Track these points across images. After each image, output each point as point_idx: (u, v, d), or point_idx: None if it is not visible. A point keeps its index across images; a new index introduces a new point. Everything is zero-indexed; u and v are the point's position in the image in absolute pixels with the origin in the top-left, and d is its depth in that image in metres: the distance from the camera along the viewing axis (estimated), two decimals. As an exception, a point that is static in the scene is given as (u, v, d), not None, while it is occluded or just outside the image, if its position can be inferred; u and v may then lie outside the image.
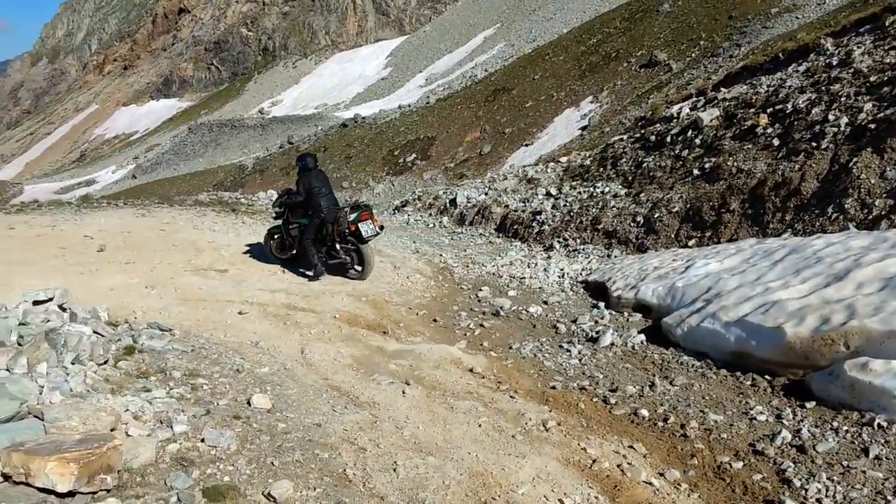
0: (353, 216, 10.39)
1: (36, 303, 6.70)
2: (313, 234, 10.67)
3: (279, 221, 11.46)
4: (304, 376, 6.37)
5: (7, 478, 3.68)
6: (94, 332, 6.10)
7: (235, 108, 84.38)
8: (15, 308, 6.56)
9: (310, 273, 10.75)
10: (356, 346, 7.70)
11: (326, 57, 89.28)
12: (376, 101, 67.45)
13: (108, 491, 3.66)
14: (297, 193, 10.83)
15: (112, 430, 4.22)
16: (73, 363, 5.33)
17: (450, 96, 50.53)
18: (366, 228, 10.33)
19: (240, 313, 8.68)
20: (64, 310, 6.67)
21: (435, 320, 9.28)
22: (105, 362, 5.67)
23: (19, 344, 5.77)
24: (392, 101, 63.08)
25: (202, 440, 4.34)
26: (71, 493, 3.57)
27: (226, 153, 62.26)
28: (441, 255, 12.67)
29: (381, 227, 10.71)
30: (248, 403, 5.16)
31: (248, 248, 12.47)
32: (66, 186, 63.96)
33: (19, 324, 6.19)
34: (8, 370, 5.12)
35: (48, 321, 6.22)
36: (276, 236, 11.43)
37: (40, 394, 4.55)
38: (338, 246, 10.62)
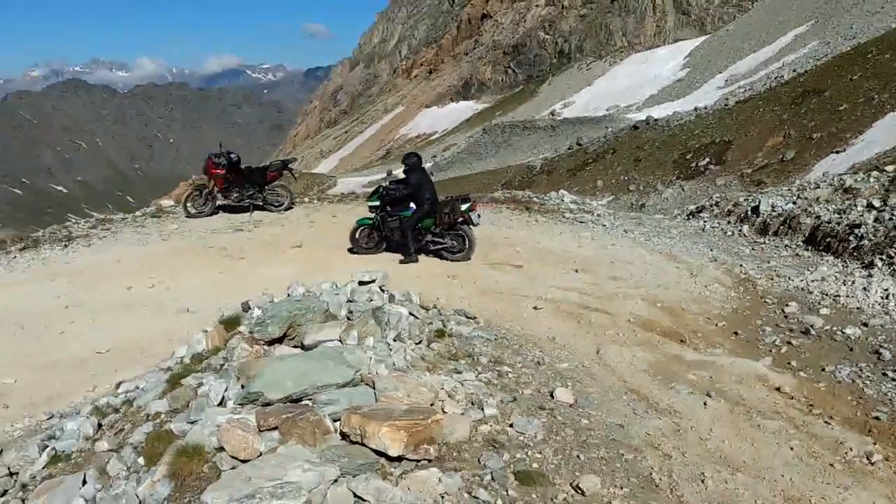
0: (465, 206, 11.81)
1: (361, 283, 7.40)
2: (415, 224, 11.99)
3: (368, 214, 12.69)
4: (603, 376, 6.38)
5: (345, 436, 4.11)
6: (410, 313, 6.60)
7: (528, 110, 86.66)
8: (344, 286, 7.32)
9: (402, 256, 12.03)
10: (652, 351, 7.54)
11: (621, 58, 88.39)
12: (670, 103, 65.44)
13: (430, 461, 3.94)
14: (402, 187, 12.12)
15: (430, 405, 4.54)
16: (394, 340, 5.81)
17: (750, 98, 47.52)
18: (475, 216, 11.88)
19: (534, 308, 8.90)
20: (384, 291, 7.30)
21: (736, 333, 8.78)
22: (419, 342, 6.11)
23: (348, 318, 6.42)
24: (687, 103, 60.80)
25: (510, 425, 4.51)
26: (399, 458, 3.90)
27: (516, 154, 64.15)
28: (741, 265, 11.96)
29: (479, 215, 12.14)
30: (551, 396, 5.27)
31: (541, 246, 12.75)
32: (372, 181, 69.94)
33: (347, 300, 6.89)
34: (340, 341, 5.72)
35: (371, 300, 6.85)
36: (363, 228, 12.61)
37: (370, 365, 5.02)
38: (439, 230, 12.05)
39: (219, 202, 16.32)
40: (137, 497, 4.22)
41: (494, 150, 68.75)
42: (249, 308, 7.25)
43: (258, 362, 5.14)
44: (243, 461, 3.97)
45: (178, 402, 5.41)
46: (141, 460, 4.83)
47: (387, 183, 13.33)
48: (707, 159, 39.90)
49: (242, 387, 4.97)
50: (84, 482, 4.99)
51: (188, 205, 16.41)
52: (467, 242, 12.00)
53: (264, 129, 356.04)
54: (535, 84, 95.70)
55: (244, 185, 16.04)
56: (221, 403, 4.94)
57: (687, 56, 79.25)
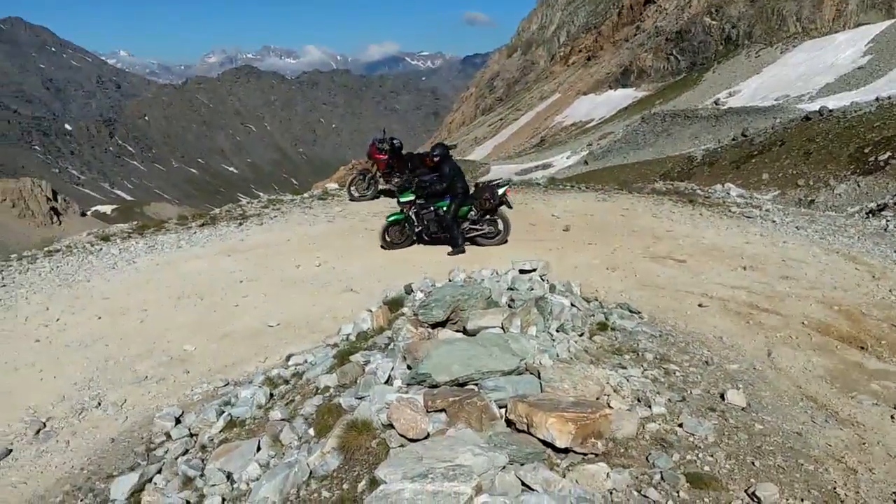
0: (501, 191, 12.39)
1: (522, 271, 7.40)
2: (457, 213, 12.29)
3: (396, 210, 12.63)
4: (776, 380, 6.03)
5: (510, 424, 4.11)
6: (572, 304, 6.52)
7: (690, 99, 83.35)
8: (505, 274, 7.34)
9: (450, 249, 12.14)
10: (829, 357, 7.06)
11: (794, 45, 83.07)
12: (847, 93, 60.94)
13: (597, 455, 3.87)
14: (437, 180, 12.31)
15: (596, 398, 4.46)
16: (557, 331, 5.76)
17: (945, 88, 43.43)
18: (509, 199, 12.67)
19: (700, 305, 8.56)
20: (545, 281, 7.25)
21: (926, 343, 8.06)
22: (581, 334, 6.03)
23: (509, 306, 6.42)
24: (868, 93, 56.36)
25: (680, 425, 4.36)
26: (565, 450, 3.86)
27: (675, 144, 61.92)
28: (931, 269, 10.96)
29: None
30: (722, 398, 5.05)
31: (705, 241, 12.24)
32: (525, 168, 69.74)
33: (508, 288, 6.90)
34: (503, 328, 5.73)
35: (532, 289, 6.83)
36: (394, 226, 12.53)
37: (534, 354, 4.99)
38: (476, 217, 12.46)
39: (381, 187, 16.81)
40: (308, 467, 4.42)
41: (653, 139, 66.72)
42: (412, 291, 7.42)
43: (424, 344, 5.24)
44: (411, 440, 4.07)
45: (346, 378, 5.62)
46: (311, 431, 5.06)
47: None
48: (889, 153, 36.90)
49: (409, 367, 5.09)
50: (258, 448, 5.30)
51: (352, 188, 17.00)
52: (503, 226, 12.55)
53: (421, 115, 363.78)
54: (698, 72, 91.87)
55: (405, 170, 16.42)
56: (388, 382, 5.08)
57: (870, 42, 73.41)
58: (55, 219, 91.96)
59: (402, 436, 4.14)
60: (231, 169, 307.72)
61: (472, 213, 12.42)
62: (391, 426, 4.28)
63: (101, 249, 13.29)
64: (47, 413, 7.65)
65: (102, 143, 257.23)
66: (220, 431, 6.35)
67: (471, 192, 12.55)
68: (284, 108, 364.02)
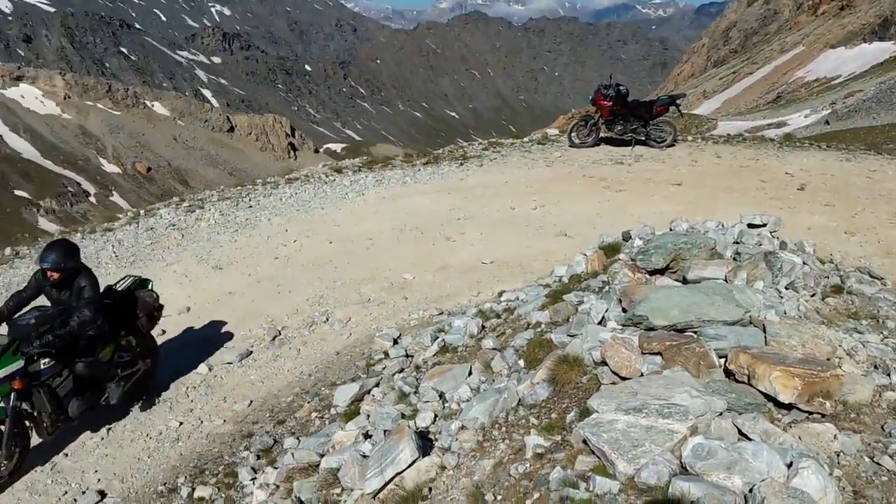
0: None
1: (751, 226, 6.99)
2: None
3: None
4: None
5: (729, 374, 3.96)
6: (804, 263, 6.08)
7: (962, 55, 73.40)
8: (731, 227, 6.98)
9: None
10: None
11: None
12: None
13: (823, 416, 3.63)
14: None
15: (827, 359, 4.16)
16: (786, 288, 5.41)
17: None
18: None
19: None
20: (775, 237, 6.81)
21: None
22: (813, 294, 5.62)
23: (734, 259, 6.12)
24: None
25: (925, 400, 3.96)
26: (788, 406, 3.65)
27: (940, 105, 54.99)
28: None
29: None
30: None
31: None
32: (756, 126, 65.17)
33: (734, 242, 6.57)
34: (726, 280, 5.48)
35: (761, 244, 6.44)
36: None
37: (760, 308, 4.74)
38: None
39: (602, 134, 16.49)
40: (517, 394, 4.53)
41: (911, 99, 59.67)
42: (630, 237, 7.27)
43: (642, 288, 5.15)
44: (623, 378, 4.04)
45: (558, 316, 5.66)
46: (521, 362, 5.18)
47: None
48: None
49: (624, 310, 5.03)
50: (470, 373, 5.52)
51: (572, 134, 16.83)
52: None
53: (647, 65, 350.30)
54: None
55: (629, 118, 15.95)
56: (601, 322, 5.06)
57: None
58: (291, 153, 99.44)
59: (614, 373, 4.12)
60: (452, 114, 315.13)
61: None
62: (604, 363, 4.27)
63: (334, 180, 14.23)
64: (283, 323, 8.43)
65: (337, 85, 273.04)
66: (434, 355, 6.68)
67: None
68: (508, 55, 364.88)
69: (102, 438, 6.38)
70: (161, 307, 7.14)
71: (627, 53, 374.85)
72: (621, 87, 15.89)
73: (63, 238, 6.41)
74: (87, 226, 12.19)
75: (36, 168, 79.34)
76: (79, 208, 73.49)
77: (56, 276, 5.85)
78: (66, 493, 5.71)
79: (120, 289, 6.81)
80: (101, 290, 6.30)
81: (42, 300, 6.19)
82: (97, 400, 6.34)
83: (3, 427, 5.54)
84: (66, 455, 6.16)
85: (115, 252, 10.45)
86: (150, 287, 7.13)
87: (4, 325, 5.98)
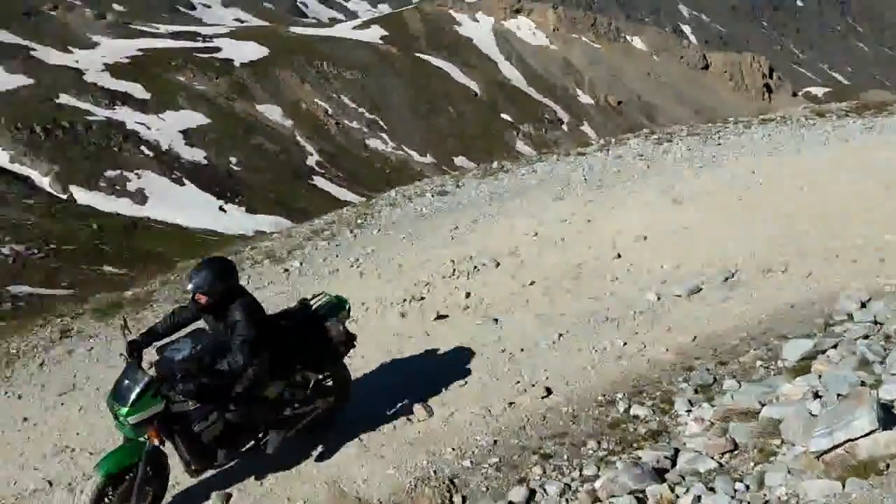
0: None
1: None
2: None
3: None
4: None
5: None
6: None
7: None
8: None
9: None
10: None
11: None
12: None
13: None
14: None
15: None
16: None
17: None
18: None
19: None
20: None
21: None
22: None
23: None
24: None
25: None
26: None
27: None
28: None
29: None
30: None
31: None
32: None
33: None
34: None
35: None
36: None
37: None
38: None
39: None
40: None
41: None
42: None
43: None
44: None
45: None
46: None
47: None
48: None
49: None
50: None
51: None
52: None
53: None
54: None
55: None
56: None
57: None
58: (766, 95, 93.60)
59: None
60: None
61: None
62: None
63: (813, 124, 13.13)
64: (736, 265, 8.20)
65: (832, 22, 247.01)
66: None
67: None
68: None
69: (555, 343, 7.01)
70: (353, 338, 5.80)
71: None
72: None
73: (220, 256, 5.89)
74: (561, 149, 13.16)
75: (521, 95, 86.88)
76: (552, 135, 78.81)
77: (203, 300, 4.95)
78: (519, 382, 6.46)
79: (314, 306, 5.74)
80: (279, 311, 5.71)
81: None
82: (254, 445, 5.42)
83: (137, 470, 4.84)
84: (522, 350, 6.95)
85: (584, 176, 11.12)
86: (346, 309, 5.94)
87: (154, 346, 5.25)
